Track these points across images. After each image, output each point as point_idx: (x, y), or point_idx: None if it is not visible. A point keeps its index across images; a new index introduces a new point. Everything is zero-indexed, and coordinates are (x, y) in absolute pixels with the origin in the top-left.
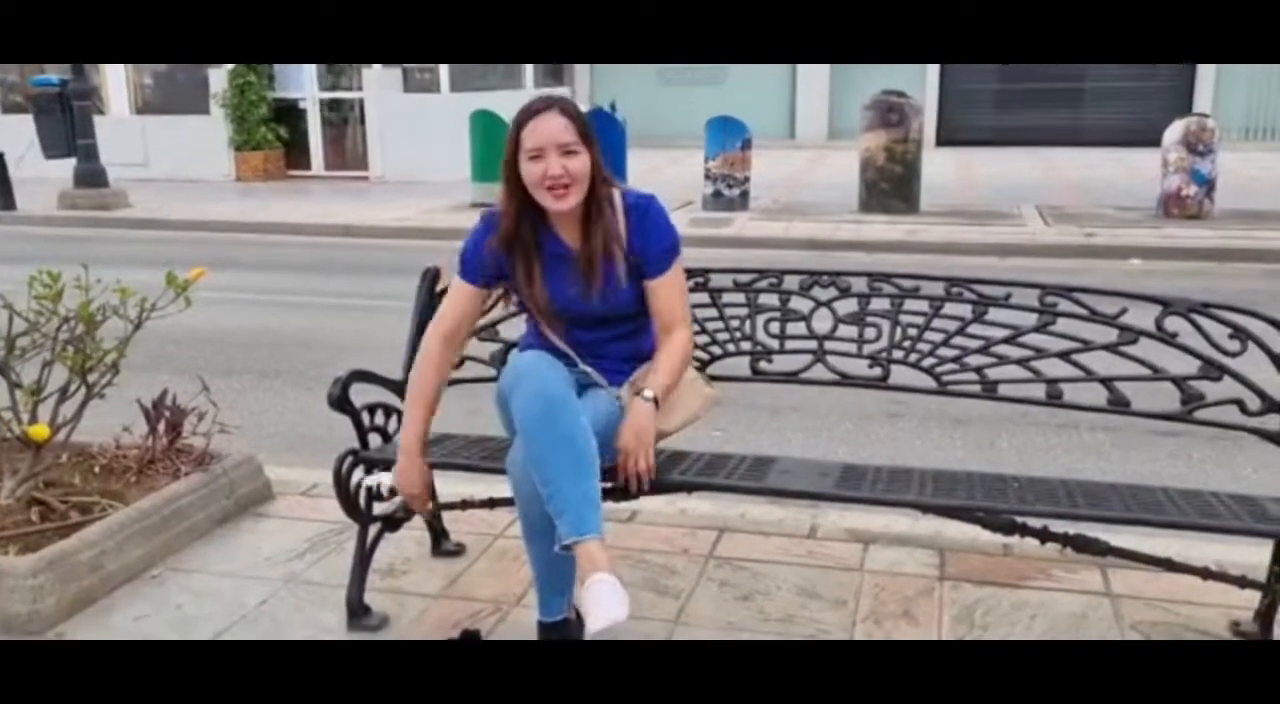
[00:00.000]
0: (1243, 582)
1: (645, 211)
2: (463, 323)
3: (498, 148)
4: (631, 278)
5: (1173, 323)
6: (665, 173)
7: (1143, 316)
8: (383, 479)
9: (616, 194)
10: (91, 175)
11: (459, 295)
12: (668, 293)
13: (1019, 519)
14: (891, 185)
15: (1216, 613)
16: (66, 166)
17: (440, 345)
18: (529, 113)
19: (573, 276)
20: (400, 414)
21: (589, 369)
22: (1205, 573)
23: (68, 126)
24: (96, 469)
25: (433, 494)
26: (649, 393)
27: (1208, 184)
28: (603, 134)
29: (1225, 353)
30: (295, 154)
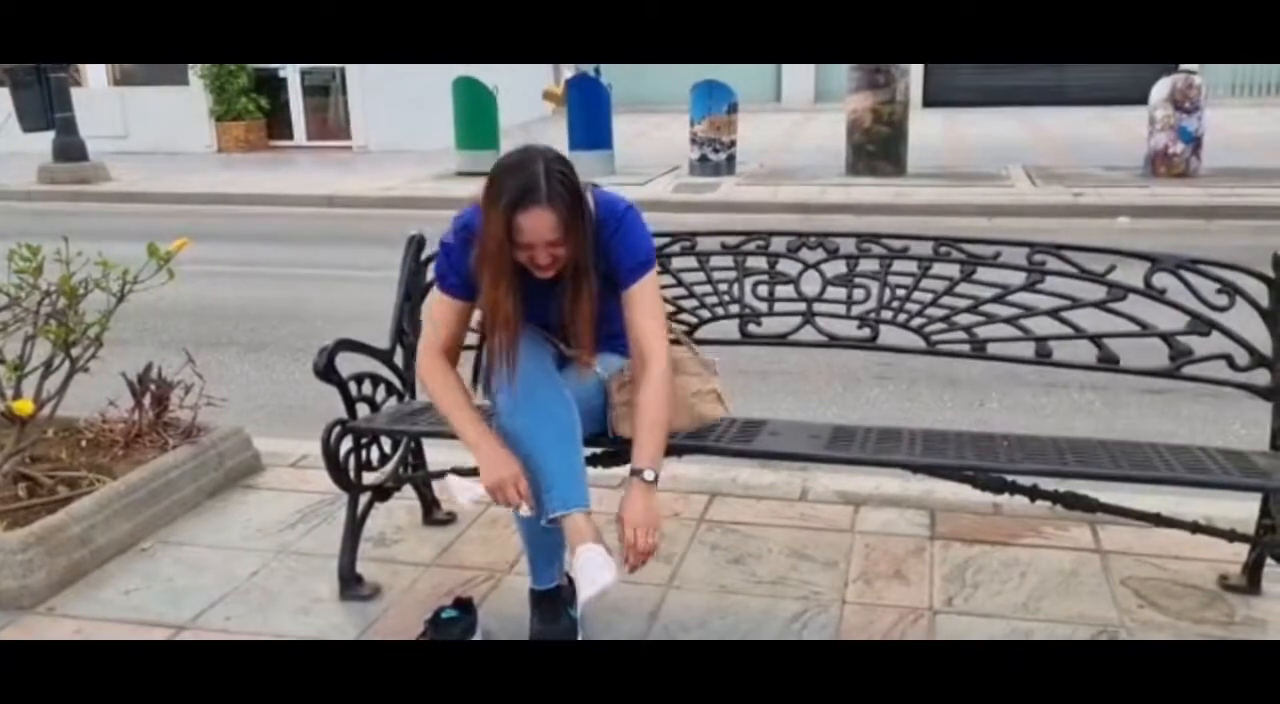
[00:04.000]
0: (1231, 535)
1: (619, 223)
2: (455, 340)
3: (481, 115)
4: (603, 288)
5: (1161, 279)
6: (651, 137)
7: (1131, 274)
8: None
9: (590, 199)
10: (70, 149)
11: (446, 312)
12: (640, 307)
13: (1009, 478)
14: (879, 147)
15: (1205, 567)
16: (45, 140)
17: (438, 363)
18: (519, 201)
19: (549, 305)
20: (387, 383)
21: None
22: (1194, 527)
23: (45, 99)
24: (83, 444)
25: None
26: (649, 474)
27: (1194, 142)
28: (587, 99)
29: (1214, 308)
30: (277, 124)
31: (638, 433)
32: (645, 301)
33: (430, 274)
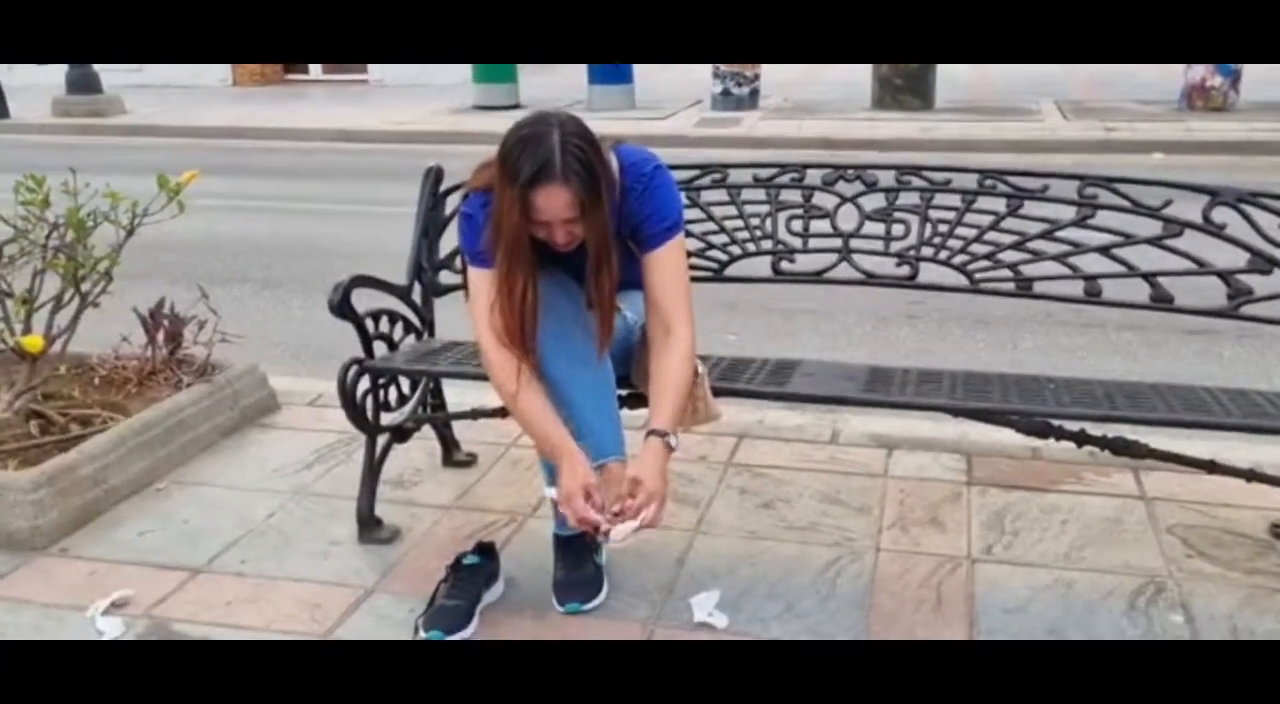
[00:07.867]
0: None
1: (646, 186)
2: (510, 313)
3: None
4: (626, 254)
5: (1220, 214)
6: (672, 71)
7: (1185, 208)
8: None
9: (614, 160)
10: (85, 81)
11: (490, 286)
12: (663, 273)
13: (1055, 422)
14: (906, 81)
15: (1255, 515)
16: (59, 72)
17: (498, 345)
18: (534, 179)
19: (573, 267)
20: (405, 321)
21: None
22: (1250, 475)
23: None
24: (96, 381)
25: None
26: (673, 440)
27: (1233, 75)
28: None
29: (1276, 245)
30: None
31: (658, 393)
32: (670, 268)
33: (449, 208)
